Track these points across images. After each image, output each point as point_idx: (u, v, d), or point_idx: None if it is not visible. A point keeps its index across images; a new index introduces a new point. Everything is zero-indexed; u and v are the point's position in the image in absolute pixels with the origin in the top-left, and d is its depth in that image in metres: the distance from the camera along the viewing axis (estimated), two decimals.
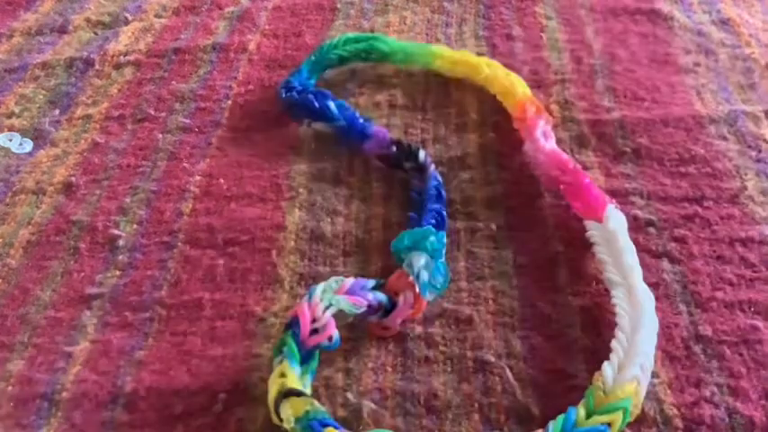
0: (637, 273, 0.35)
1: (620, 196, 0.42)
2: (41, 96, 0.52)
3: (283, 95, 0.49)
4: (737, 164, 0.44)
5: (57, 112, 0.51)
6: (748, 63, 0.51)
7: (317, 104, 0.47)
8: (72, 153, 0.47)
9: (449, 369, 0.34)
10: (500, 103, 0.48)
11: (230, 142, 0.47)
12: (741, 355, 0.34)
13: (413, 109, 0.49)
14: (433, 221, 0.39)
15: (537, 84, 0.50)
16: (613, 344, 0.32)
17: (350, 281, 0.34)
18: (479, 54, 0.52)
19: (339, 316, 0.33)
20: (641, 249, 0.38)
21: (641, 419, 0.31)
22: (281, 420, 0.30)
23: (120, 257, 0.40)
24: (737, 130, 0.46)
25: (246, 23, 0.59)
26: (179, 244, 0.41)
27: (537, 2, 0.60)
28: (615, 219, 0.38)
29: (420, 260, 0.35)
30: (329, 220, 0.42)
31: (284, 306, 0.37)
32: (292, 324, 0.32)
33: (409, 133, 0.47)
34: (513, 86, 0.48)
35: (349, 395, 0.33)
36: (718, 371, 0.33)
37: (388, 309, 0.34)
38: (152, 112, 0.50)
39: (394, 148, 0.44)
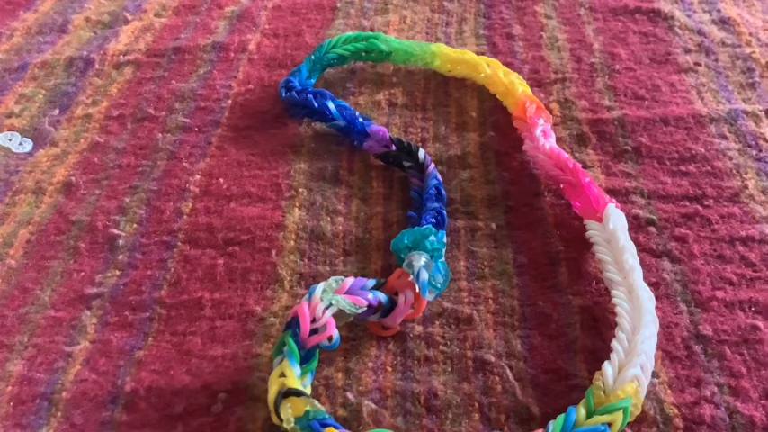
0: (637, 272, 0.35)
1: (621, 195, 0.42)
2: (41, 96, 0.52)
3: (283, 95, 0.49)
4: (738, 163, 0.43)
5: (56, 111, 0.51)
6: (748, 62, 0.51)
7: (316, 104, 0.47)
8: (72, 153, 0.47)
9: (449, 369, 0.34)
10: (500, 102, 0.48)
11: (230, 142, 0.47)
12: (741, 354, 0.34)
13: (413, 108, 0.49)
14: (433, 221, 0.39)
15: (537, 83, 0.51)
16: (613, 344, 0.32)
17: (350, 280, 0.34)
18: (479, 53, 0.52)
19: (339, 316, 0.33)
20: (641, 249, 0.38)
21: (641, 419, 0.31)
22: (281, 420, 0.30)
23: (120, 257, 0.40)
24: (738, 129, 0.46)
25: (246, 23, 0.59)
26: (179, 244, 0.41)
27: (537, 1, 0.60)
28: (615, 218, 0.38)
29: (420, 260, 0.35)
30: (329, 219, 0.42)
31: (284, 306, 0.37)
32: (292, 324, 0.32)
33: (409, 132, 0.47)
34: (513, 85, 0.48)
35: (349, 395, 0.33)
36: (719, 370, 0.33)
37: (388, 308, 0.34)
38: (152, 112, 0.50)
39: (394, 148, 0.44)
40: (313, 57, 0.51)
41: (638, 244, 0.38)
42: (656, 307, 0.34)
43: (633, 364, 0.31)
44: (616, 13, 0.57)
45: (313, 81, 0.50)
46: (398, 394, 0.33)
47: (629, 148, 0.45)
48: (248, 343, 0.35)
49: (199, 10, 0.61)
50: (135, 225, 0.42)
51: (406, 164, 0.43)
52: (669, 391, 0.33)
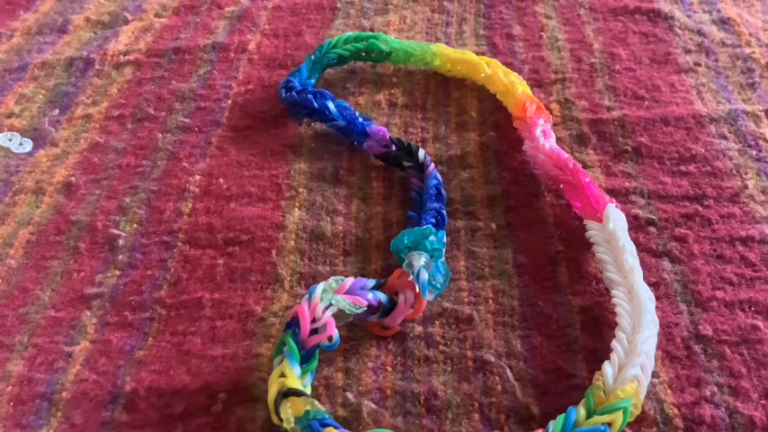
0: (637, 272, 0.35)
1: (621, 195, 0.42)
2: (41, 96, 0.52)
3: (283, 95, 0.49)
4: (738, 163, 0.43)
5: (56, 111, 0.51)
6: (748, 62, 0.51)
7: (316, 104, 0.47)
8: (72, 153, 0.47)
9: (449, 369, 0.34)
10: (500, 102, 0.48)
11: (230, 142, 0.47)
12: (741, 354, 0.34)
13: (413, 108, 0.49)
14: (433, 221, 0.39)
15: (537, 83, 0.51)
16: (613, 344, 0.32)
17: (350, 280, 0.34)
18: (479, 53, 0.52)
19: (339, 316, 0.33)
20: (641, 249, 0.38)
21: (641, 419, 0.31)
22: (281, 420, 0.30)
23: (120, 257, 0.40)
24: (738, 129, 0.46)
25: (246, 23, 0.59)
26: (179, 244, 0.41)
27: (537, 1, 0.60)
28: (615, 218, 0.38)
29: (420, 260, 0.35)
30: (329, 219, 0.42)
31: (284, 306, 0.37)
32: (292, 324, 0.32)
33: (409, 132, 0.47)
34: (513, 85, 0.48)
35: (349, 395, 0.33)
36: (719, 370, 0.33)
37: (388, 308, 0.34)
38: (152, 112, 0.50)
39: (394, 148, 0.44)
40: (313, 57, 0.51)
41: (638, 244, 0.38)
42: (656, 307, 0.34)
43: (633, 364, 0.31)
44: (616, 13, 0.57)
45: (313, 81, 0.50)
46: (398, 394, 0.33)
47: (629, 148, 0.45)
48: (248, 343, 0.35)
49: (199, 10, 0.61)
50: (135, 225, 0.42)
51: (406, 164, 0.43)
52: (669, 391, 0.33)
